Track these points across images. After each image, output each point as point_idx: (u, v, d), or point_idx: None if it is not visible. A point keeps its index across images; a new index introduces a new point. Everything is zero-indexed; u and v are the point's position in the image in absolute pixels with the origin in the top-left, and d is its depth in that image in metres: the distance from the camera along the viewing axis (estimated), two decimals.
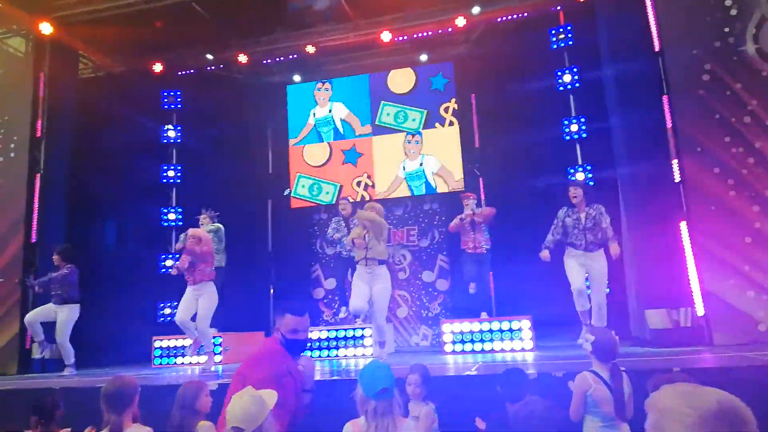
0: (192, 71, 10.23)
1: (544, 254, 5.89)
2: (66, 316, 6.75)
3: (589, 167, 8.26)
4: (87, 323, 7.33)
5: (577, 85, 8.54)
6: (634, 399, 3.03)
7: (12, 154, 8.23)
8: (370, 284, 5.83)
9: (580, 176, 8.19)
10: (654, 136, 6.40)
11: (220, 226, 7.76)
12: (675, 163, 6.18)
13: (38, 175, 8.22)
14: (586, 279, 5.75)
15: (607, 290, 6.19)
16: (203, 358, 6.69)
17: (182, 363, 7.34)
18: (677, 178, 6.14)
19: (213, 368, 6.23)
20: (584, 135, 8.40)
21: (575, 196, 5.65)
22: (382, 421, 2.53)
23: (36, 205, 8.12)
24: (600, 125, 7.69)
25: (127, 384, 2.96)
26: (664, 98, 6.32)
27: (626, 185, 6.98)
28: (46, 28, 8.36)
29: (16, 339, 7.50)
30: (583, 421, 3.10)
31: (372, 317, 6.00)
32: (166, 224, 9.80)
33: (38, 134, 8.36)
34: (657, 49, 6.48)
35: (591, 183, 8.09)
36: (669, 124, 6.25)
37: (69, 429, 3.30)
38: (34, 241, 7.97)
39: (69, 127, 8.69)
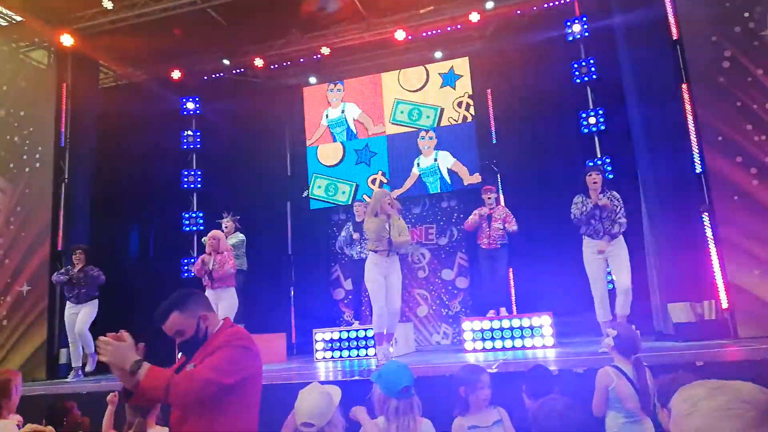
0: (209, 77, 10.36)
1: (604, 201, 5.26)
2: (91, 311, 6.96)
3: (608, 160, 8.12)
4: (110, 327, 7.45)
5: (594, 76, 8.39)
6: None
7: (37, 164, 8.44)
8: (386, 273, 5.62)
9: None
10: (674, 126, 6.28)
11: (243, 238, 7.82)
12: (696, 153, 6.05)
13: (63, 184, 8.43)
14: (608, 274, 5.51)
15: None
16: None
17: None
18: (699, 168, 6.02)
19: None
20: (603, 127, 8.26)
21: (595, 182, 5.29)
22: (404, 419, 2.54)
23: (62, 213, 8.32)
24: (619, 117, 7.57)
25: None
26: (684, 87, 6.20)
27: (647, 177, 6.85)
28: (67, 40, 8.54)
29: (44, 345, 7.68)
30: (605, 418, 3.06)
31: (389, 307, 5.68)
32: (187, 229, 9.94)
33: (62, 144, 8.56)
34: (675, 36, 6.35)
35: (611, 176, 7.97)
36: (689, 114, 6.13)
37: None
38: (60, 248, 8.16)
39: (92, 136, 8.88)
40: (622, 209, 5.29)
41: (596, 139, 8.34)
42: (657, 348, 5.10)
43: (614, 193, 5.37)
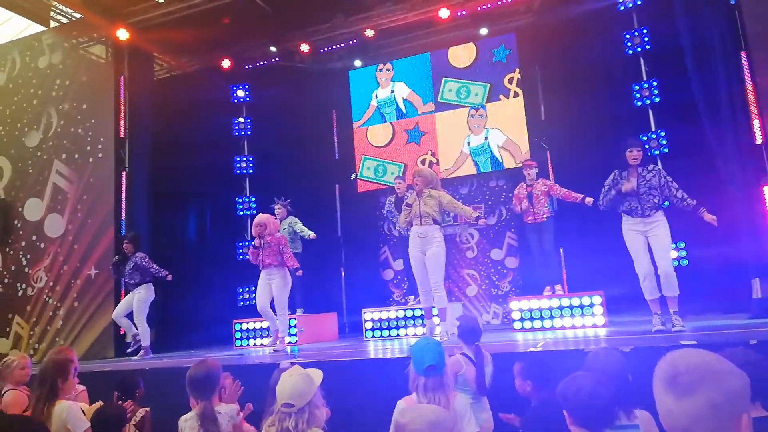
0: (258, 64, 10.58)
1: (589, 199, 5.61)
2: (141, 296, 7.17)
3: (663, 133, 7.82)
4: (172, 307, 7.85)
5: (647, 47, 8.06)
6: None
7: (100, 155, 8.90)
8: (424, 249, 5.74)
9: (653, 144, 7.81)
10: (733, 96, 5.98)
11: (296, 220, 8.03)
12: (756, 123, 5.75)
13: (124, 173, 8.86)
14: (650, 251, 5.29)
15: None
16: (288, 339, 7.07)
17: (259, 344, 7.71)
18: (759, 139, 5.72)
19: (281, 349, 6.44)
20: (657, 99, 7.94)
21: (635, 158, 5.05)
22: (434, 396, 2.57)
23: (123, 201, 8.77)
24: (674, 88, 7.25)
25: (211, 367, 3.01)
26: (743, 54, 5.89)
27: (705, 149, 6.56)
28: (123, 34, 8.89)
29: (111, 325, 8.15)
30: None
31: (432, 286, 5.84)
32: (241, 213, 10.28)
33: (122, 134, 8.98)
34: (733, 1, 6.02)
35: (666, 150, 7.68)
36: (748, 82, 5.82)
37: (148, 408, 3.56)
38: (123, 233, 8.60)
39: (149, 125, 9.24)
40: (674, 185, 5.06)
41: (650, 111, 8.04)
42: (710, 327, 4.93)
43: (656, 168, 5.16)
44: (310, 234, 7.76)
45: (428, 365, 2.58)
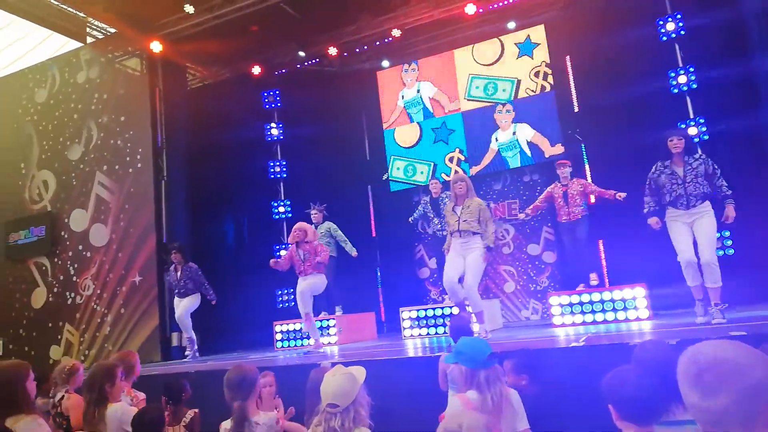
0: (287, 70, 10.71)
1: (653, 220, 5.13)
2: (186, 303, 7.40)
3: (702, 120, 7.61)
4: (215, 312, 8.00)
5: (682, 32, 7.84)
6: None
7: (139, 165, 9.15)
8: (464, 254, 5.71)
9: (692, 131, 7.59)
10: None
11: (335, 227, 8.11)
12: None
13: (163, 181, 9.08)
14: (694, 242, 5.14)
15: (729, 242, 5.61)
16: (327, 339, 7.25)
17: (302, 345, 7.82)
18: None
19: (321, 349, 6.53)
20: (694, 86, 7.72)
21: (676, 146, 4.89)
22: (495, 389, 2.57)
23: (163, 209, 9.00)
24: (712, 74, 7.05)
25: (248, 371, 3.03)
26: None
27: (746, 134, 6.38)
28: (156, 47, 9.11)
29: (157, 330, 8.39)
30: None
31: (464, 286, 5.73)
32: (276, 217, 10.43)
33: (159, 144, 9.21)
34: None
35: (705, 137, 7.48)
36: None
37: (196, 410, 3.65)
38: (165, 240, 8.82)
39: (184, 135, 9.48)
40: (719, 173, 4.91)
41: (688, 98, 7.83)
42: (759, 317, 4.79)
43: (703, 156, 4.99)
44: (352, 250, 7.90)
45: (488, 354, 2.59)
